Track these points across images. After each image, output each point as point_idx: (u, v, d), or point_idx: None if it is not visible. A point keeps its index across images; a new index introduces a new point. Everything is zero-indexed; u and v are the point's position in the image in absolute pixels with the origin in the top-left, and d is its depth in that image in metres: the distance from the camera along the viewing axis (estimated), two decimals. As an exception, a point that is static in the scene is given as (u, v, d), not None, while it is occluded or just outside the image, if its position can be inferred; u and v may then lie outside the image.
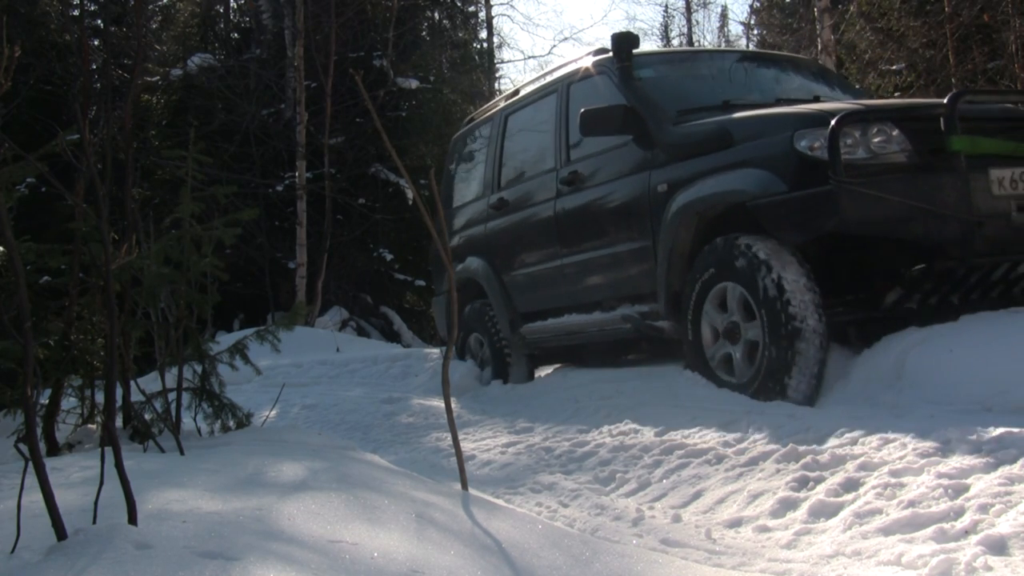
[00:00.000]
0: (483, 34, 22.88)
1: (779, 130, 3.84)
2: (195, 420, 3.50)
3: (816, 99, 4.70)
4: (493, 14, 22.97)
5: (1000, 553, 2.00)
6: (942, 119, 3.57)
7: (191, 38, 15.73)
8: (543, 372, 6.16)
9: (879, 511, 2.36)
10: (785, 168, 3.74)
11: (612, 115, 4.59)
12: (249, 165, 13.61)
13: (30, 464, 1.68)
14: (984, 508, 2.20)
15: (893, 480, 2.49)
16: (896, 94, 12.51)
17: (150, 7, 15.60)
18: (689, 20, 28.89)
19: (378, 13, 14.83)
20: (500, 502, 2.81)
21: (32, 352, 1.73)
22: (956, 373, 3.23)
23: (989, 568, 1.93)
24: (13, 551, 1.61)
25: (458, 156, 6.89)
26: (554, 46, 65.14)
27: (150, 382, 3.78)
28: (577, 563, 2.03)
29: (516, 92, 6.31)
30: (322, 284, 13.15)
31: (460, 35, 19.79)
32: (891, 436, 2.81)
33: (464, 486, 2.67)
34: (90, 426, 3.34)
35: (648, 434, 3.52)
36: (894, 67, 12.86)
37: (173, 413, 3.27)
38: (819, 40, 12.37)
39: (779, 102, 4.62)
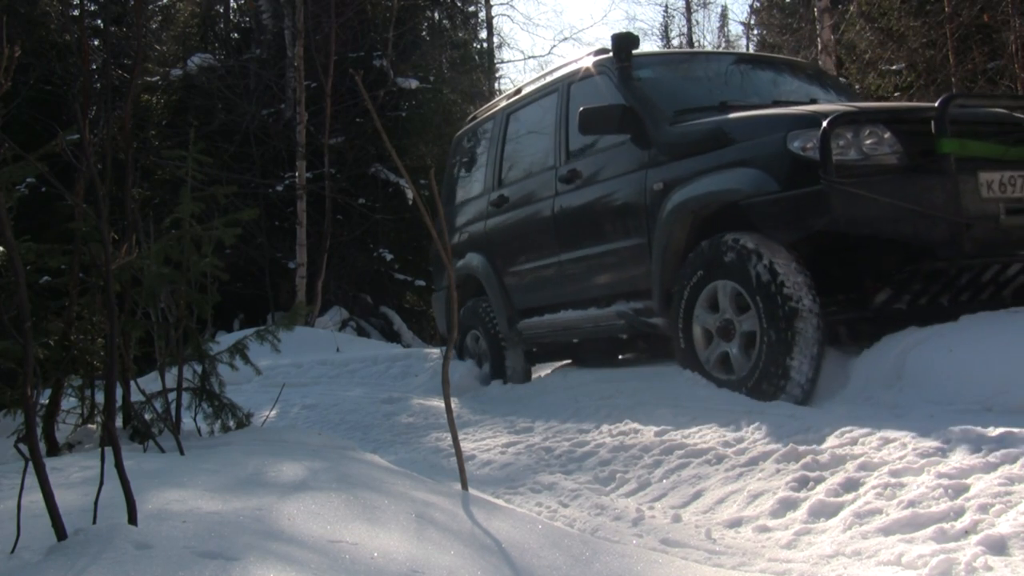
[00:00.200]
0: (483, 34, 22.90)
1: (773, 131, 3.90)
2: (195, 420, 3.50)
3: (812, 101, 4.75)
4: (493, 14, 22.99)
5: (1000, 553, 2.00)
6: (933, 122, 3.64)
7: (191, 38, 15.73)
8: (543, 372, 6.17)
9: (879, 511, 2.36)
10: (778, 168, 3.80)
11: (610, 114, 4.65)
12: (249, 165, 13.61)
13: (30, 464, 1.68)
14: (984, 508, 2.20)
15: (893, 480, 2.49)
16: (896, 94, 12.51)
17: (150, 7, 15.60)
18: (689, 20, 28.90)
19: (378, 13, 14.83)
20: (500, 502, 2.81)
21: (32, 352, 1.73)
22: (956, 373, 3.24)
23: (989, 568, 1.93)
24: (13, 551, 1.61)
25: (460, 153, 6.93)
26: (554, 46, 65.31)
27: (150, 382, 3.78)
28: (577, 563, 2.03)
29: (518, 91, 6.34)
30: (322, 284, 13.15)
31: (460, 35, 19.79)
32: (891, 436, 2.81)
33: (464, 486, 2.67)
34: (90, 426, 3.34)
35: (648, 434, 3.52)
36: (894, 67, 12.86)
37: (173, 413, 3.27)
38: (819, 40, 12.37)
39: (776, 103, 4.67)
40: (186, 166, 3.55)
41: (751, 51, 23.29)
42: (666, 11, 36.62)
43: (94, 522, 1.73)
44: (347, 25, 13.71)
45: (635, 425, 3.69)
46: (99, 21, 14.43)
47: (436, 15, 18.62)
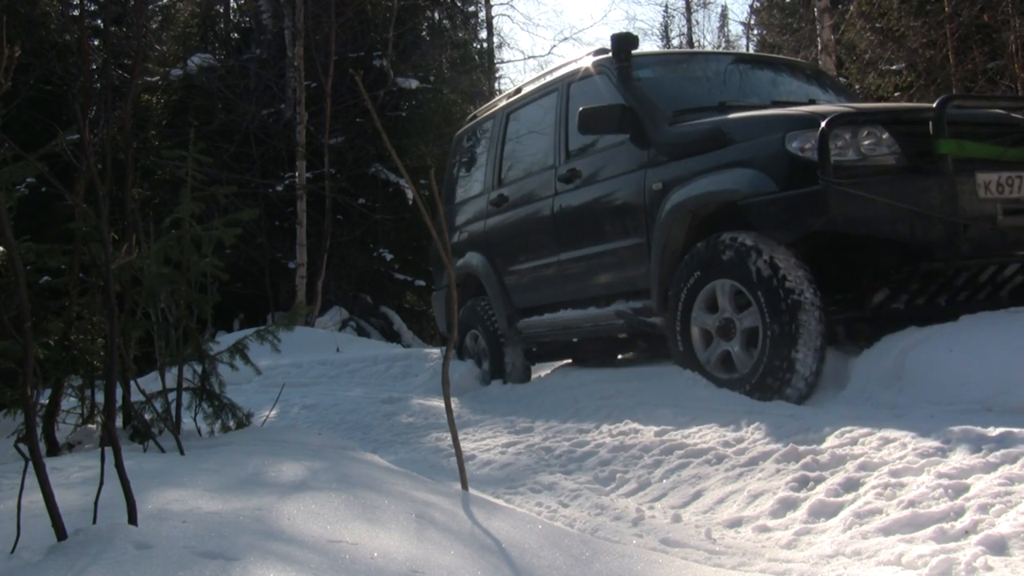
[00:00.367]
0: (483, 34, 22.89)
1: (771, 131, 3.91)
2: (195, 420, 3.51)
3: (811, 102, 4.76)
4: (493, 14, 22.98)
5: (1000, 553, 2.00)
6: (930, 123, 3.65)
7: (191, 38, 15.72)
8: (543, 372, 6.17)
9: (879, 511, 2.36)
10: (776, 168, 3.82)
11: (610, 114, 4.66)
12: (249, 165, 13.61)
13: (30, 464, 1.68)
14: (984, 508, 2.20)
15: (893, 480, 2.49)
16: (896, 94, 12.51)
17: (150, 7, 15.60)
18: (689, 20, 28.90)
19: (378, 13, 14.83)
20: (500, 502, 2.81)
21: (32, 352, 1.73)
22: (956, 373, 3.24)
23: (989, 568, 1.93)
24: (13, 551, 1.61)
25: (460, 153, 6.95)
26: (554, 46, 65.22)
27: (150, 382, 3.78)
28: (577, 563, 2.03)
29: (518, 91, 6.35)
30: (322, 284, 13.15)
31: (460, 35, 19.78)
32: (891, 436, 2.81)
33: (464, 486, 2.67)
34: (90, 426, 3.34)
35: (648, 434, 3.52)
36: (894, 67, 12.86)
37: (173, 413, 3.27)
38: (819, 40, 12.37)
39: (775, 104, 4.69)
40: (186, 166, 3.55)
41: (751, 51, 23.30)
42: (666, 11, 36.69)
43: (94, 522, 1.73)
44: (347, 25, 13.71)
45: (635, 425, 3.69)
46: (99, 21, 14.42)
47: (436, 15, 18.62)
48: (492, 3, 22.77)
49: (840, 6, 14.38)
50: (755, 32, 25.12)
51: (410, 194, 13.53)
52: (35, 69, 12.24)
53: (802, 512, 2.51)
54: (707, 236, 4.15)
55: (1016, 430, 2.61)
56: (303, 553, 1.70)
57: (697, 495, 2.87)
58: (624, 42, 4.98)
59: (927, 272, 3.75)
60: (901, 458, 2.63)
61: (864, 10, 12.98)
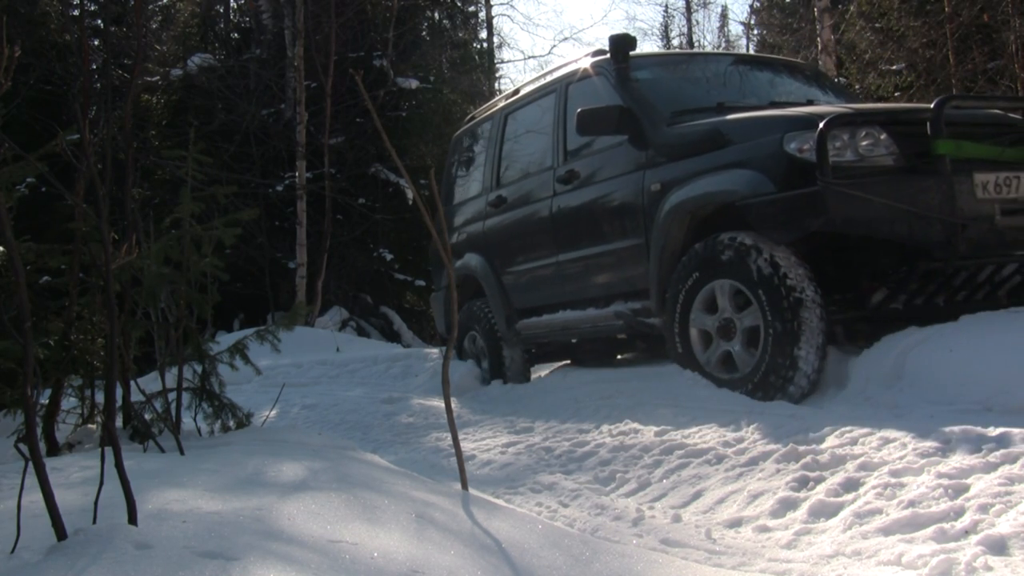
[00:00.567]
0: (483, 34, 22.91)
1: (769, 132, 3.92)
2: (195, 420, 3.51)
3: (810, 102, 4.77)
4: (493, 14, 23.00)
5: (1000, 553, 2.00)
6: (928, 123, 3.65)
7: (191, 38, 15.72)
8: (542, 372, 6.17)
9: (879, 511, 2.36)
10: (775, 169, 3.83)
11: (608, 115, 4.66)
12: (249, 165, 13.60)
13: (30, 464, 1.68)
14: (984, 508, 2.20)
15: (893, 480, 2.49)
16: (896, 94, 12.51)
17: (150, 7, 15.60)
18: (689, 20, 28.91)
19: (378, 13, 14.82)
20: (500, 502, 2.81)
21: (32, 352, 1.73)
22: (956, 373, 3.24)
23: (989, 568, 1.93)
24: (13, 551, 1.61)
25: (459, 154, 6.95)
26: (554, 46, 65.23)
27: (150, 382, 3.78)
28: (577, 563, 2.03)
29: (517, 91, 6.35)
30: (322, 284, 13.15)
31: (460, 35, 19.78)
32: (891, 436, 2.81)
33: (464, 486, 2.67)
34: (90, 426, 3.34)
35: (648, 434, 3.52)
36: (894, 67, 12.85)
37: (173, 413, 3.27)
38: (819, 40, 12.37)
39: (773, 105, 4.69)
40: (186, 166, 3.55)
41: (751, 51, 23.31)
42: (666, 11, 36.65)
43: (94, 522, 1.73)
44: (347, 25, 13.70)
45: (635, 425, 3.69)
46: (99, 21, 14.43)
47: (436, 15, 18.61)
48: (492, 3, 22.79)
49: (840, 6, 14.38)
50: (755, 32, 25.12)
51: (410, 194, 13.53)
52: (35, 69, 12.24)
53: (802, 512, 2.51)
54: (705, 237, 4.16)
55: (1016, 430, 2.61)
56: (303, 553, 1.70)
57: (697, 495, 2.87)
58: (622, 43, 4.99)
59: (925, 272, 3.75)
60: (901, 458, 2.63)
61: (864, 10, 12.98)
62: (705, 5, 36.78)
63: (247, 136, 13.48)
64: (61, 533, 1.63)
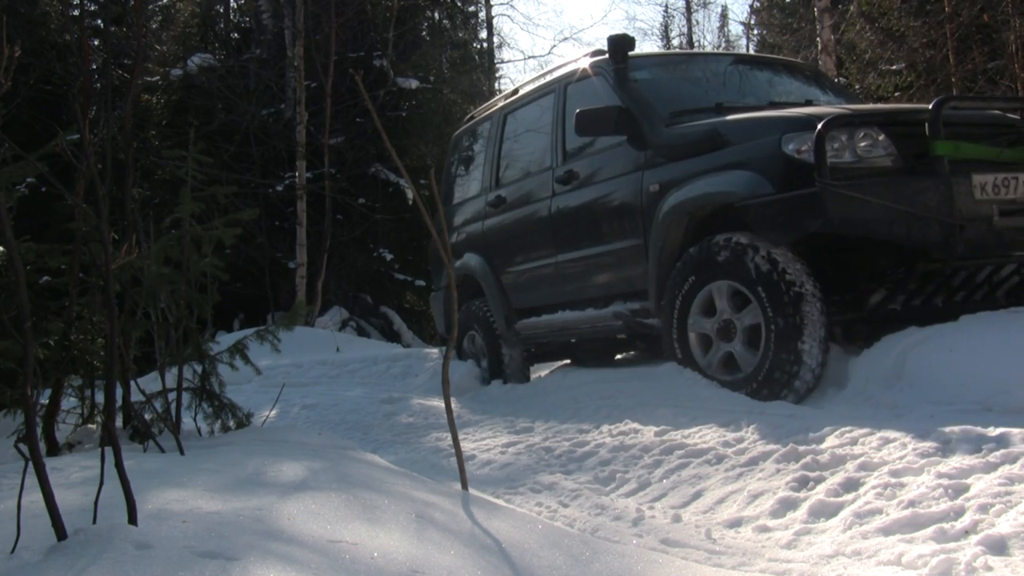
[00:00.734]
0: (483, 34, 22.90)
1: (767, 133, 3.92)
2: (195, 420, 3.51)
3: (808, 103, 4.77)
4: (493, 14, 22.99)
5: (1000, 553, 2.00)
6: (927, 124, 3.65)
7: (191, 38, 15.72)
8: (542, 372, 6.17)
9: (879, 511, 2.36)
10: (773, 170, 3.83)
11: (606, 116, 4.67)
12: (249, 165, 13.60)
13: (30, 464, 1.68)
14: (984, 508, 2.19)
15: (893, 480, 2.49)
16: (896, 94, 12.51)
17: (150, 7, 15.59)
18: (689, 20, 28.91)
19: (378, 13, 14.83)
20: (500, 502, 2.81)
21: (32, 352, 1.73)
22: (956, 373, 3.24)
23: (989, 568, 1.93)
24: (13, 551, 1.61)
25: (458, 153, 6.95)
26: (554, 46, 65.11)
27: (150, 382, 3.78)
28: (577, 563, 2.03)
29: (516, 91, 6.35)
30: (322, 284, 13.15)
31: (460, 35, 19.79)
32: (891, 436, 2.81)
33: (464, 486, 2.67)
34: (90, 426, 3.34)
35: (648, 434, 3.52)
36: (894, 67, 12.85)
37: (173, 413, 3.27)
38: (819, 40, 12.37)
39: (772, 105, 4.69)
40: (186, 166, 3.54)
41: (751, 51, 23.30)
42: (666, 11, 36.65)
43: (94, 522, 1.73)
44: (347, 25, 13.71)
45: (635, 425, 3.69)
46: (99, 21, 14.43)
47: (436, 15, 18.61)
48: (492, 3, 22.78)
49: (840, 6, 14.38)
50: (755, 32, 25.12)
51: (410, 194, 13.53)
52: (35, 69, 12.24)
53: (802, 512, 2.51)
54: (704, 238, 4.16)
55: (1016, 430, 2.61)
56: (303, 553, 1.70)
57: (697, 495, 2.87)
58: (620, 44, 4.99)
59: (924, 273, 3.76)
60: (901, 458, 2.63)
61: (864, 10, 12.98)
62: (705, 5, 36.79)
63: (247, 136, 13.48)
64: (61, 533, 1.63)
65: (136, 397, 3.31)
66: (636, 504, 2.86)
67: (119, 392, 3.21)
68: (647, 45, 29.05)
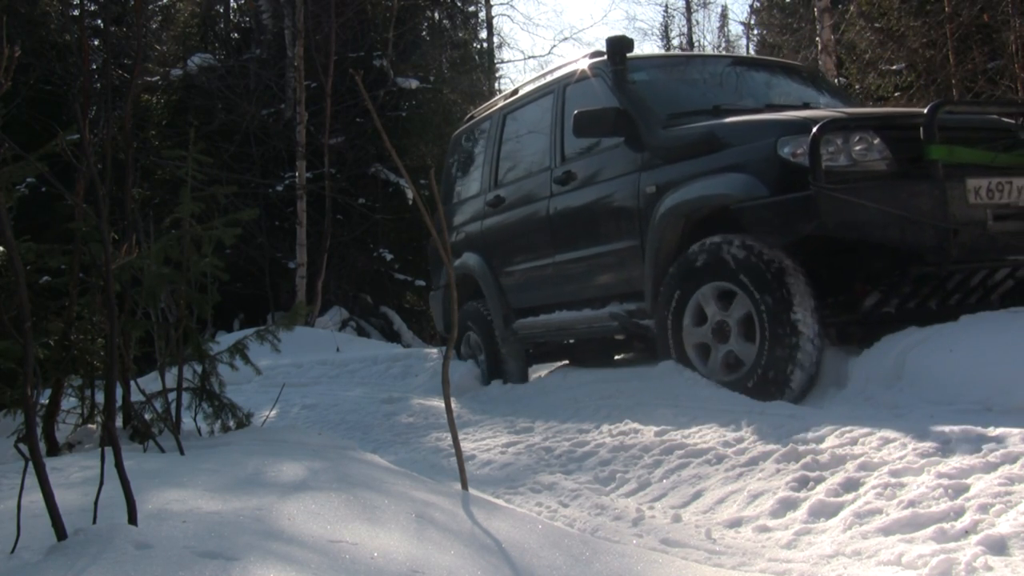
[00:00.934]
0: (483, 34, 22.90)
1: (763, 136, 3.95)
2: (195, 420, 3.50)
3: (806, 105, 4.79)
4: (493, 14, 22.99)
5: (1000, 553, 2.00)
6: (921, 128, 3.66)
7: (191, 38, 15.72)
8: (542, 372, 6.17)
9: (879, 511, 2.36)
10: (768, 173, 3.86)
11: (604, 117, 4.69)
12: (249, 165, 13.60)
13: (30, 464, 1.68)
14: (984, 508, 2.19)
15: (893, 480, 2.49)
16: (896, 94, 12.51)
17: (150, 7, 15.59)
18: (689, 20, 28.91)
19: (378, 13, 14.83)
20: (500, 502, 2.81)
21: (32, 352, 1.73)
22: (956, 373, 3.24)
23: (989, 568, 1.93)
24: (13, 551, 1.61)
25: (458, 153, 6.96)
26: (554, 46, 65.20)
27: (150, 382, 3.78)
28: (577, 563, 2.03)
29: (515, 92, 6.36)
30: (322, 284, 13.15)
31: (460, 35, 19.78)
32: (891, 436, 2.81)
33: (464, 486, 2.67)
34: (90, 426, 3.34)
35: (648, 434, 3.52)
36: (894, 67, 12.85)
37: (173, 413, 3.27)
38: (819, 40, 12.37)
39: (769, 107, 4.70)
40: (186, 166, 3.54)
41: (751, 51, 23.30)
42: (666, 11, 36.61)
43: (94, 522, 1.73)
44: (347, 25, 13.71)
45: (635, 425, 3.69)
46: (99, 21, 14.42)
47: (436, 15, 18.61)
48: (492, 3, 22.79)
49: (840, 6, 14.38)
50: (755, 32, 25.13)
51: (410, 194, 13.53)
52: (35, 69, 12.24)
53: (802, 512, 2.51)
54: (700, 240, 4.20)
55: (1016, 430, 2.61)
56: (303, 553, 1.70)
57: (697, 495, 2.87)
58: (619, 45, 5.00)
59: (918, 276, 3.77)
60: (901, 458, 2.63)
61: (864, 10, 12.98)
62: (705, 5, 36.79)
63: (247, 136, 13.48)
64: (61, 533, 1.63)
65: (136, 397, 3.31)
66: (636, 504, 2.86)
67: (119, 392, 3.21)
68: (647, 45, 29.07)
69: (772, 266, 3.78)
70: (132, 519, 1.73)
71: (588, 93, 5.16)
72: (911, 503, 2.32)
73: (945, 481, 2.38)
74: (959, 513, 2.22)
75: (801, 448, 2.90)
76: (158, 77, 14.46)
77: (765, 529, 2.48)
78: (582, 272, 5.16)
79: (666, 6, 36.90)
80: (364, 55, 14.18)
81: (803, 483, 2.68)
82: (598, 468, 3.33)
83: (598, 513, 2.80)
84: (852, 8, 13.51)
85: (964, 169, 3.70)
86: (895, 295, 3.84)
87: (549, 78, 5.84)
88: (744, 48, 26.87)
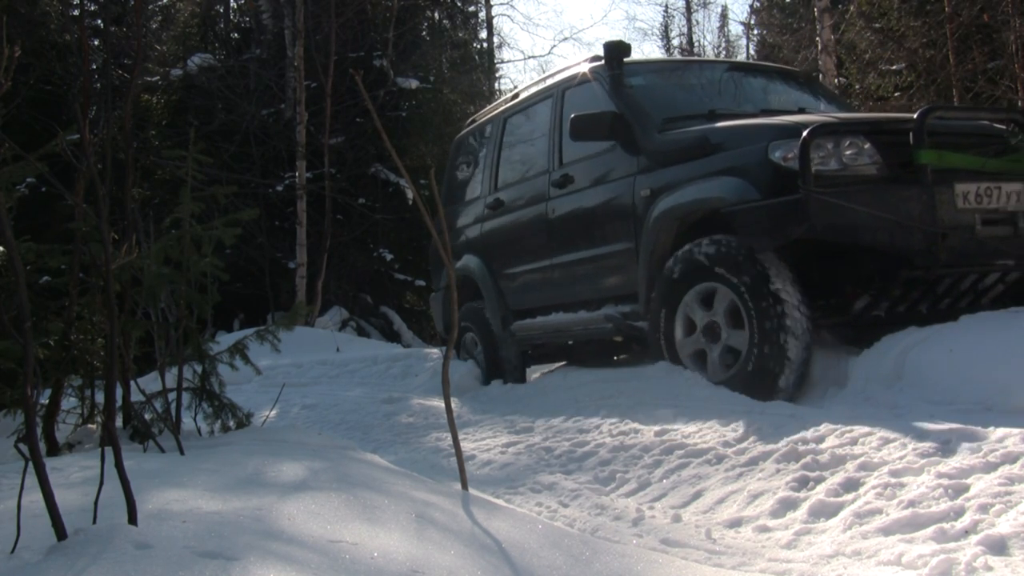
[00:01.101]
0: (483, 34, 22.90)
1: (755, 140, 3.98)
2: (195, 420, 3.51)
3: (801, 110, 4.82)
4: (493, 14, 23.00)
5: (1000, 553, 2.00)
6: (911, 133, 3.69)
7: (191, 38, 15.72)
8: (542, 372, 6.18)
9: (879, 511, 2.36)
10: (760, 177, 3.89)
11: (601, 121, 4.72)
12: (249, 165, 13.60)
13: (30, 464, 1.68)
14: (984, 508, 2.20)
15: (893, 480, 2.49)
16: (896, 94, 12.50)
17: (150, 7, 15.59)
18: (689, 20, 28.91)
19: (378, 13, 14.83)
20: (500, 502, 2.81)
21: (32, 352, 1.73)
22: (956, 373, 3.24)
23: (989, 568, 1.93)
24: (13, 551, 1.61)
25: (459, 156, 6.98)
26: (554, 46, 65.37)
27: (150, 382, 3.78)
28: (577, 563, 2.03)
29: (516, 95, 6.39)
30: (322, 284, 13.15)
31: (460, 35, 19.77)
32: (891, 436, 2.81)
33: (464, 486, 2.67)
34: (90, 426, 3.34)
35: (648, 434, 3.52)
36: (894, 67, 12.84)
37: (173, 413, 3.27)
38: (819, 40, 12.37)
39: (764, 112, 4.74)
40: (186, 166, 3.54)
41: (751, 51, 23.30)
42: (666, 11, 36.63)
43: (94, 522, 1.73)
44: (347, 25, 13.70)
45: (635, 425, 3.69)
46: (99, 21, 14.42)
47: (436, 15, 18.61)
48: (492, 3, 22.79)
49: (840, 6, 14.38)
50: (755, 32, 25.13)
51: (410, 194, 13.53)
52: (35, 69, 12.23)
53: (802, 512, 2.51)
54: (693, 242, 4.25)
55: (1016, 430, 2.61)
56: (303, 553, 1.70)
57: (697, 495, 2.87)
58: (616, 50, 5.04)
59: (907, 280, 3.79)
60: (901, 458, 2.63)
61: (864, 10, 12.97)
62: (705, 5, 36.79)
63: (247, 136, 13.48)
64: (61, 533, 1.63)
65: (136, 397, 3.31)
66: (636, 504, 2.86)
67: (119, 392, 3.21)
68: (647, 45, 29.13)
69: (742, 249, 3.87)
70: (132, 519, 1.73)
71: (586, 97, 5.19)
72: (911, 503, 2.32)
73: (945, 481, 2.38)
74: (959, 513, 2.22)
75: (801, 448, 2.90)
76: (158, 77, 14.46)
77: (765, 529, 2.48)
78: (578, 275, 5.19)
79: (666, 6, 36.92)
80: (364, 55, 14.18)
81: (803, 483, 2.68)
82: (598, 468, 3.33)
83: (598, 513, 2.80)
84: (852, 8, 13.51)
85: (953, 174, 3.74)
86: (885, 298, 3.86)
87: (549, 82, 5.86)
88: (744, 48, 26.89)
